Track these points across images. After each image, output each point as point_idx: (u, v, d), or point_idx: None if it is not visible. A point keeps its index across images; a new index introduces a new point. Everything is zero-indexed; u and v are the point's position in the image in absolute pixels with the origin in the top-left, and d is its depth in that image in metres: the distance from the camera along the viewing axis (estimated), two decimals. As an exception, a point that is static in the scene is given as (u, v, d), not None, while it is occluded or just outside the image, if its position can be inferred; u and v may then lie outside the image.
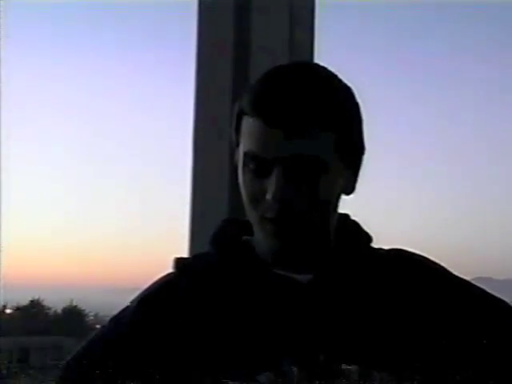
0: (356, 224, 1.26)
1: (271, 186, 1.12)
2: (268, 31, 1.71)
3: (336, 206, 1.20)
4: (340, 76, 1.20)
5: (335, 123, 1.14)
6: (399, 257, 1.25)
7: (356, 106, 1.20)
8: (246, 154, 1.15)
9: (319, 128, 1.13)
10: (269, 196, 1.12)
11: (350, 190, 1.21)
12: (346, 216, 1.25)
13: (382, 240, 1.27)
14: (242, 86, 1.67)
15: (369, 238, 1.25)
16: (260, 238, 1.18)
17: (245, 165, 1.16)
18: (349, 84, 1.20)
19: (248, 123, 1.15)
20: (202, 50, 1.75)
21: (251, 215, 1.17)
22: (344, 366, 1.11)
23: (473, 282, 1.26)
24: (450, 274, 1.25)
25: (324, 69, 1.21)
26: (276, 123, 1.12)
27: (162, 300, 1.20)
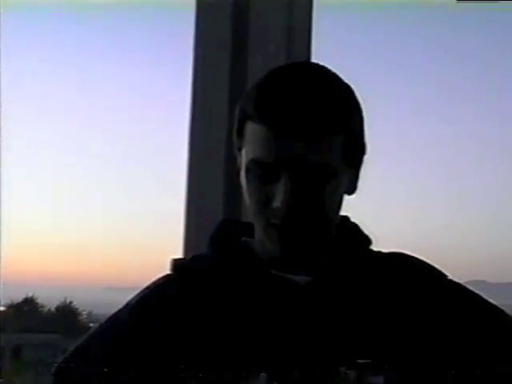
0: (356, 226, 1.25)
1: (279, 192, 1.10)
2: (266, 30, 1.72)
3: (339, 208, 1.18)
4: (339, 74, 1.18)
5: (343, 126, 1.12)
6: (398, 260, 1.24)
7: (358, 104, 1.18)
8: (252, 161, 1.12)
9: (329, 134, 1.11)
10: (277, 203, 1.10)
11: (352, 189, 1.20)
12: (346, 218, 1.24)
13: (375, 241, 1.25)
14: (240, 87, 1.67)
15: (368, 241, 1.24)
16: (263, 241, 1.17)
17: (249, 171, 1.14)
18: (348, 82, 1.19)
19: (253, 129, 1.12)
20: (200, 51, 1.75)
21: (257, 220, 1.16)
22: (342, 370, 1.10)
23: (468, 284, 1.27)
24: (448, 278, 1.25)
25: (325, 69, 1.18)
26: (285, 132, 1.09)
27: (160, 301, 1.19)
